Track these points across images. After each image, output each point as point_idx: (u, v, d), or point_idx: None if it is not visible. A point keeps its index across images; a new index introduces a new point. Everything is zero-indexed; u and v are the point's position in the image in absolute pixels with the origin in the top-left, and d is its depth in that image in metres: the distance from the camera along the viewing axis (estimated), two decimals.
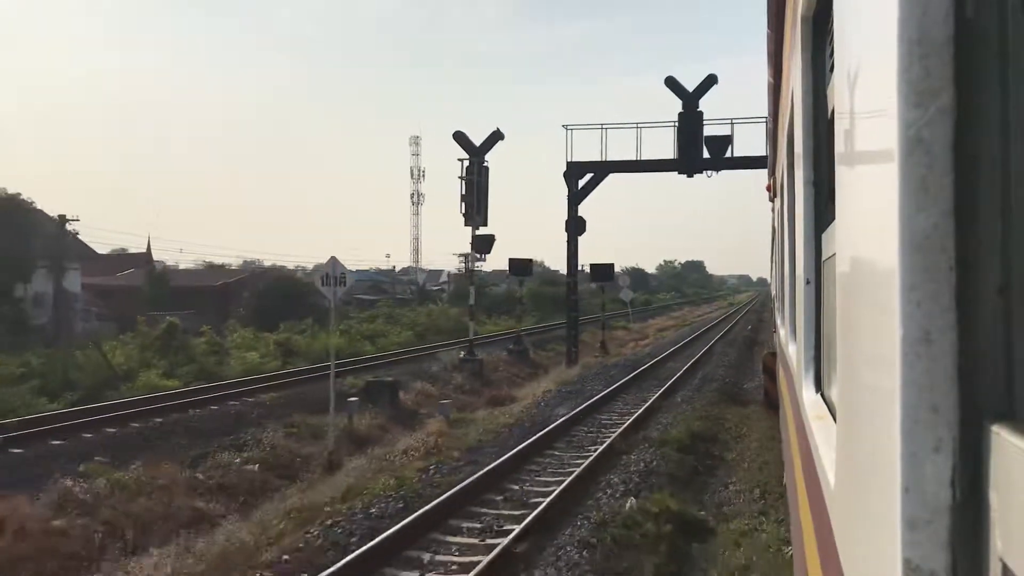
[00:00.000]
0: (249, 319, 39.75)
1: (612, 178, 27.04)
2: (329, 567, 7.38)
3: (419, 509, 9.19)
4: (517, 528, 8.48)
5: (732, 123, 24.20)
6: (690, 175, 24.79)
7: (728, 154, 24.11)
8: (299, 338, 33.00)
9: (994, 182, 0.75)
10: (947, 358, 0.76)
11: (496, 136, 25.16)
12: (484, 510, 9.74)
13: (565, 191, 26.40)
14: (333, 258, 13.67)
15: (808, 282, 2.80)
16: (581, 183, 26.10)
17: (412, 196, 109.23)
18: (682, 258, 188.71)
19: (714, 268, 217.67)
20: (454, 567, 7.80)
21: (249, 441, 14.12)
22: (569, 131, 25.80)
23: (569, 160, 25.87)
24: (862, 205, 1.09)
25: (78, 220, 44.51)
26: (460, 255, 74.60)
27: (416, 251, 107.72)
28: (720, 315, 63.56)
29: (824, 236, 2.50)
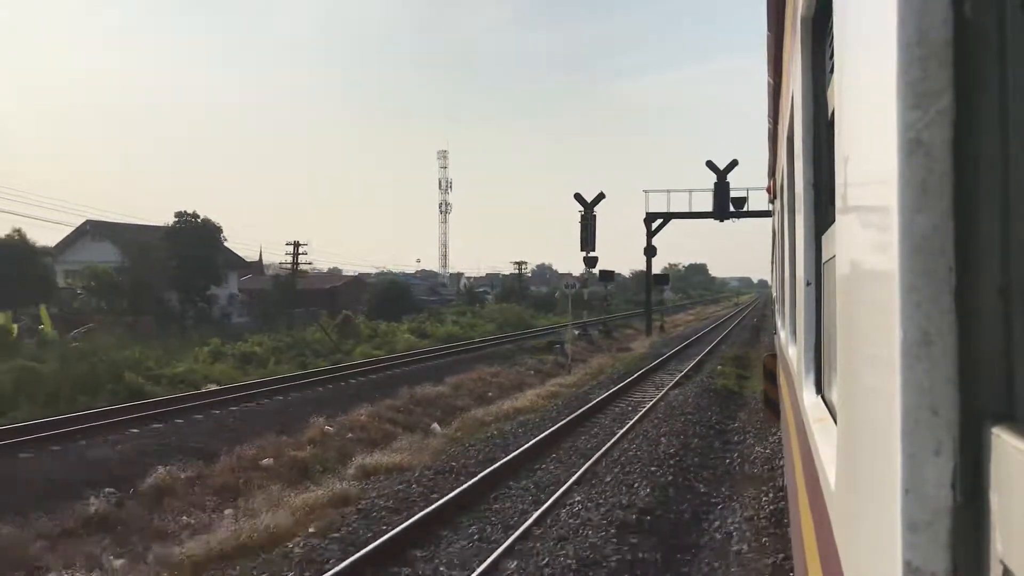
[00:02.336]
0: (371, 314, 50.43)
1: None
2: (619, 384, 20.87)
3: (641, 369, 24.50)
4: (700, 356, 28.20)
5: (748, 190, 38.10)
6: (721, 221, 38.96)
7: (744, 208, 38.33)
8: (427, 326, 44.76)
9: (994, 183, 0.75)
10: (947, 360, 0.75)
11: (600, 196, 37.73)
12: (663, 373, 24.36)
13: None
14: (569, 273, 29.33)
15: (808, 284, 2.80)
16: (654, 226, 40.55)
17: (440, 205, 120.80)
18: (685, 261, 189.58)
19: (716, 271, 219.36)
20: (669, 374, 23.55)
21: (519, 362, 27.82)
22: (647, 193, 40.77)
23: (647, 211, 40.35)
24: (862, 207, 1.09)
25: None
26: (515, 263, 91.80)
27: (444, 256, 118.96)
28: (728, 313, 74.04)
29: (824, 238, 2.50)
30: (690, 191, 40.33)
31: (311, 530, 9.30)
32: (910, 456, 0.76)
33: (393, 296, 58.72)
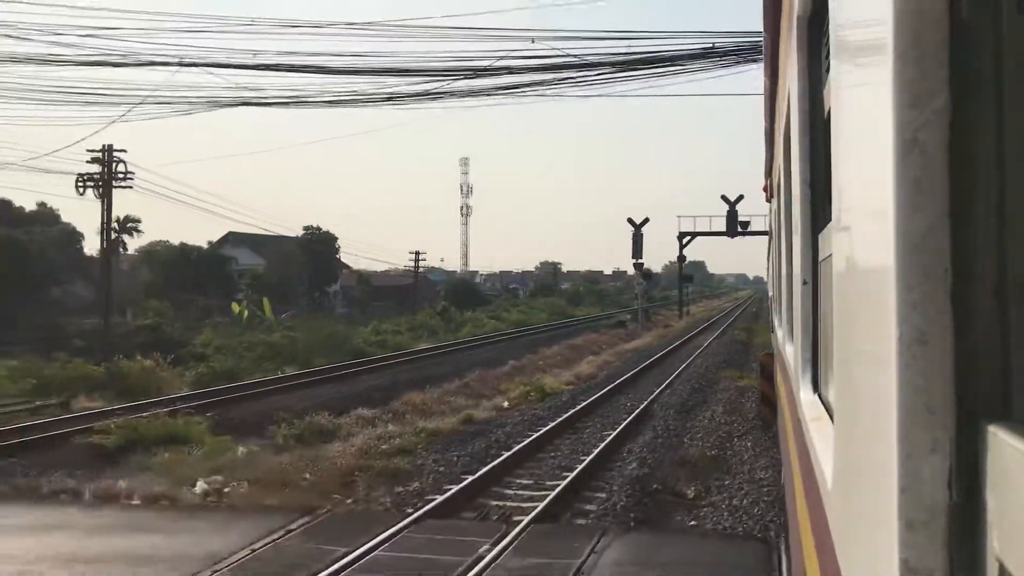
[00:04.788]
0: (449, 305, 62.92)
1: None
2: (681, 340, 36.78)
3: (689, 334, 40.34)
4: (720, 330, 44.91)
5: (751, 216, 49.36)
6: (732, 237, 51.57)
7: (748, 228, 50.43)
8: (499, 314, 57.66)
9: (989, 183, 0.75)
10: (943, 359, 0.75)
11: (645, 220, 49.76)
12: (703, 335, 40.25)
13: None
14: (637, 274, 50.07)
15: (805, 283, 2.80)
16: (685, 240, 54.70)
17: (461, 209, 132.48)
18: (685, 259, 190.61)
19: (713, 268, 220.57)
20: (707, 336, 39.50)
21: (603, 332, 40.06)
22: (679, 218, 54.95)
23: (679, 231, 54.40)
24: (858, 206, 1.09)
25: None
26: (546, 262, 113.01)
27: (465, 256, 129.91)
28: (731, 306, 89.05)
29: (821, 237, 2.50)
30: (710, 216, 55.00)
31: (604, 373, 24.09)
32: (907, 455, 0.76)
33: (464, 291, 75.50)
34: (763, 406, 14.06)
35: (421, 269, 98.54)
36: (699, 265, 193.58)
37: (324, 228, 67.68)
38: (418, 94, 22.13)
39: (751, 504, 9.89)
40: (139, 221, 61.64)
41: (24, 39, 22.60)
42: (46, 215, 53.83)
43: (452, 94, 22.02)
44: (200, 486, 10.91)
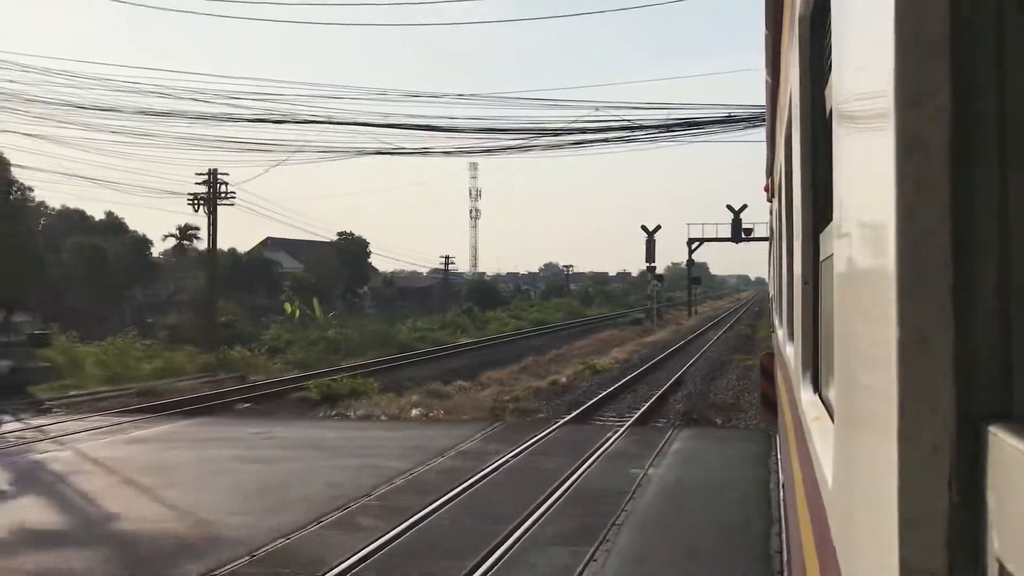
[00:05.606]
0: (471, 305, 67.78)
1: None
2: (694, 334, 41.73)
3: (700, 330, 45.23)
4: (726, 326, 49.58)
5: (754, 223, 52.62)
6: (737, 243, 54.83)
7: (751, 235, 53.63)
8: (519, 313, 61.68)
9: (991, 182, 0.75)
10: (944, 358, 0.75)
11: (658, 227, 56.09)
12: (711, 331, 44.56)
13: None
14: (651, 276, 56.10)
15: (806, 282, 2.79)
16: (693, 246, 59.43)
17: (471, 212, 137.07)
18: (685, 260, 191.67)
19: (715, 268, 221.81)
20: (716, 331, 44.62)
21: (622, 329, 45.94)
22: (688, 225, 61.31)
23: (689, 237, 59.53)
24: (859, 205, 1.09)
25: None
26: (551, 263, 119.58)
27: (474, 258, 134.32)
28: (733, 307, 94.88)
29: (822, 236, 2.49)
30: (717, 224, 59.86)
31: (636, 357, 29.05)
32: (907, 454, 0.76)
33: (484, 292, 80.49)
34: (763, 408, 14.00)
35: (428, 270, 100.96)
36: (702, 267, 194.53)
37: (356, 233, 74.15)
38: (509, 148, 29.98)
39: (758, 423, 15.83)
40: (198, 229, 66.53)
41: (207, 102, 29.48)
42: (114, 224, 57.66)
43: (536, 148, 29.80)
44: (414, 412, 17.25)
